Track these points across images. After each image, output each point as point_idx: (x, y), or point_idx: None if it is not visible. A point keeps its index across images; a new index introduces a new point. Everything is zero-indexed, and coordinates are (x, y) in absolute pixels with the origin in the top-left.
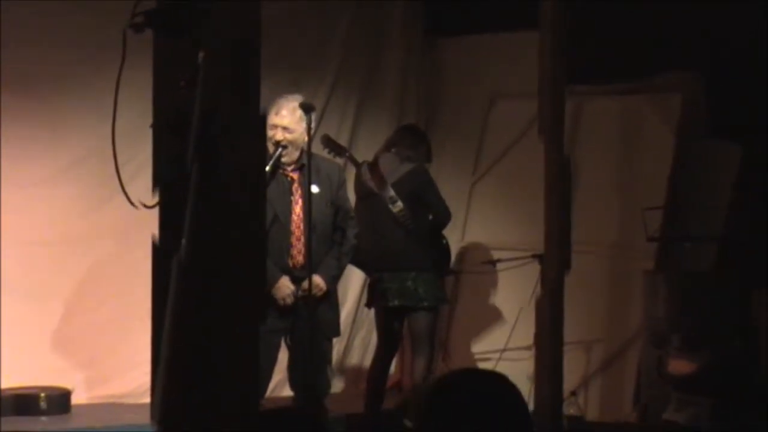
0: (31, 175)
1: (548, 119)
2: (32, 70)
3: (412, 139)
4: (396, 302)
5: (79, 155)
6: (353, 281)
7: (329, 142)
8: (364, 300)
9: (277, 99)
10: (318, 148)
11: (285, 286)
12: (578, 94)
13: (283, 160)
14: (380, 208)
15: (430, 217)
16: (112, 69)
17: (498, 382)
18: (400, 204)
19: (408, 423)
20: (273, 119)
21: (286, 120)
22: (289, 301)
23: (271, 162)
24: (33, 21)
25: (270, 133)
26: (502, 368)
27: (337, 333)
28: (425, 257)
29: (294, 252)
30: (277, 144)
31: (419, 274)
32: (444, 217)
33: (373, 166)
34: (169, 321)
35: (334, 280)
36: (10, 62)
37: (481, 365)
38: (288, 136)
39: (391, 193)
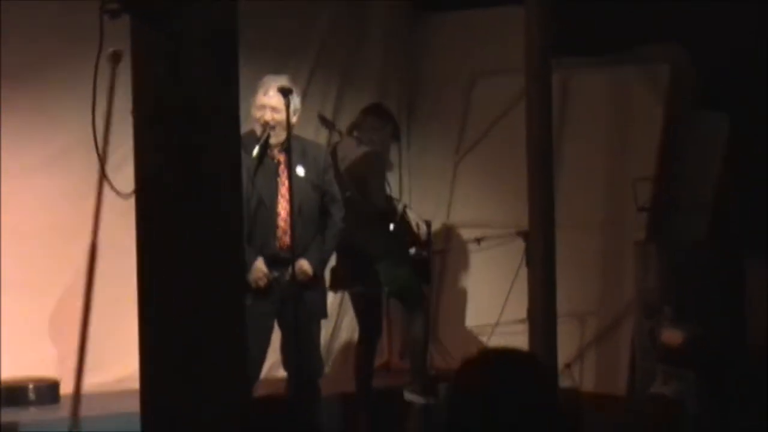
0: (19, 165)
1: (533, 93)
2: (18, 60)
3: (374, 121)
4: (360, 288)
5: (67, 144)
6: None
7: (324, 121)
8: None
9: (263, 79)
10: (302, 131)
11: (258, 269)
12: (565, 67)
13: (271, 141)
14: None
15: (400, 204)
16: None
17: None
18: (349, 191)
19: (408, 395)
20: (261, 99)
21: (274, 100)
22: (262, 283)
23: (259, 144)
24: (18, 10)
25: (258, 114)
26: (496, 343)
27: (324, 315)
28: (384, 241)
29: (280, 233)
30: (266, 125)
31: (381, 259)
32: (378, 204)
33: (333, 152)
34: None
35: (321, 263)
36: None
37: (473, 342)
38: (276, 116)
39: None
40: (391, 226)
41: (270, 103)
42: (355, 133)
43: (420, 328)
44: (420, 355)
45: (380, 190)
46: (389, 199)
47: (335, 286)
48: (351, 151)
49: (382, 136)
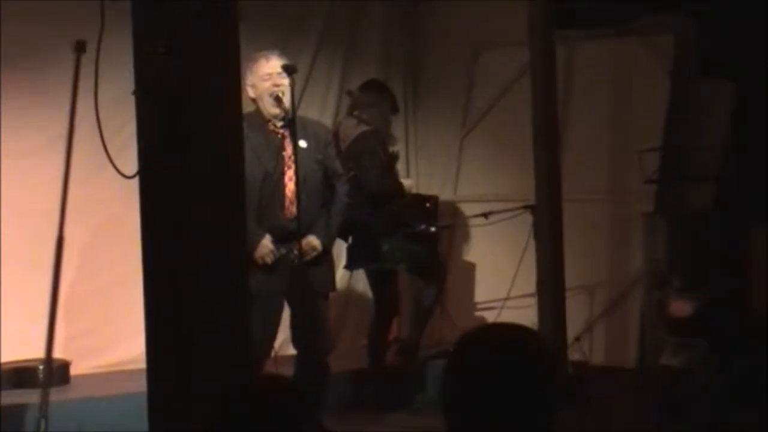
0: (24, 146)
1: (537, 66)
2: (19, 41)
3: (370, 98)
4: (374, 266)
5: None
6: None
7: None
8: None
9: (256, 54)
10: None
11: (264, 246)
12: (568, 39)
13: (276, 111)
14: None
15: (405, 180)
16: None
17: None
18: (352, 170)
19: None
20: (264, 68)
21: (278, 68)
22: (269, 260)
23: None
24: None
25: (265, 84)
26: (506, 317)
27: (332, 288)
28: (387, 220)
29: (287, 203)
30: (278, 99)
31: (392, 236)
32: (370, 187)
33: (335, 132)
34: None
35: (329, 239)
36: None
37: (484, 316)
38: (285, 81)
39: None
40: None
41: (276, 69)
42: (355, 113)
43: (431, 299)
44: (422, 325)
45: (374, 167)
46: (394, 175)
47: (351, 265)
48: (351, 130)
49: (381, 111)
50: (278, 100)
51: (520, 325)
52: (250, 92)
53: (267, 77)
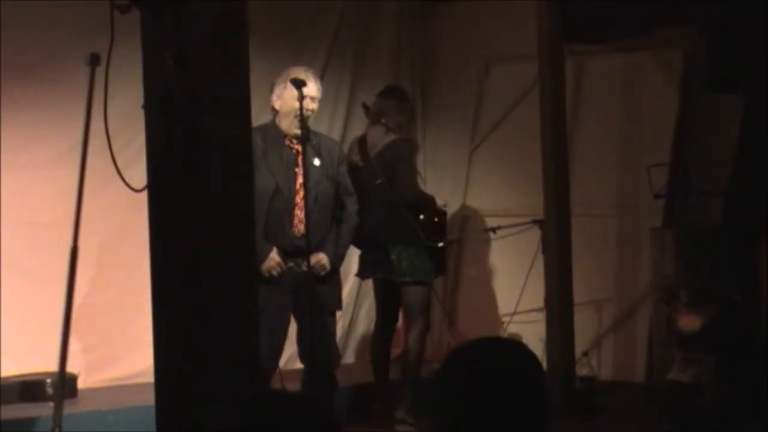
0: (33, 158)
1: (547, 80)
2: (32, 53)
3: (398, 105)
4: (381, 275)
5: (81, 137)
6: (356, 252)
7: (368, 110)
8: None
9: (291, 70)
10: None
11: (271, 259)
12: (578, 54)
13: (297, 132)
14: (363, 182)
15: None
16: (115, 51)
17: (512, 349)
18: (379, 178)
19: (399, 415)
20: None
21: (314, 90)
22: (276, 273)
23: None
24: (31, 3)
25: (296, 105)
26: (514, 332)
27: (338, 307)
28: (409, 231)
29: (296, 221)
30: (304, 122)
31: (404, 248)
32: (405, 194)
33: (362, 140)
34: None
35: (338, 258)
36: (10, 46)
37: (491, 330)
38: (315, 107)
39: (374, 167)
40: (421, 216)
41: (310, 93)
42: (382, 120)
43: (417, 337)
44: (411, 367)
45: (410, 178)
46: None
47: (362, 273)
48: (380, 138)
49: (409, 119)
50: (304, 123)
51: (510, 339)
52: (276, 104)
53: (299, 99)
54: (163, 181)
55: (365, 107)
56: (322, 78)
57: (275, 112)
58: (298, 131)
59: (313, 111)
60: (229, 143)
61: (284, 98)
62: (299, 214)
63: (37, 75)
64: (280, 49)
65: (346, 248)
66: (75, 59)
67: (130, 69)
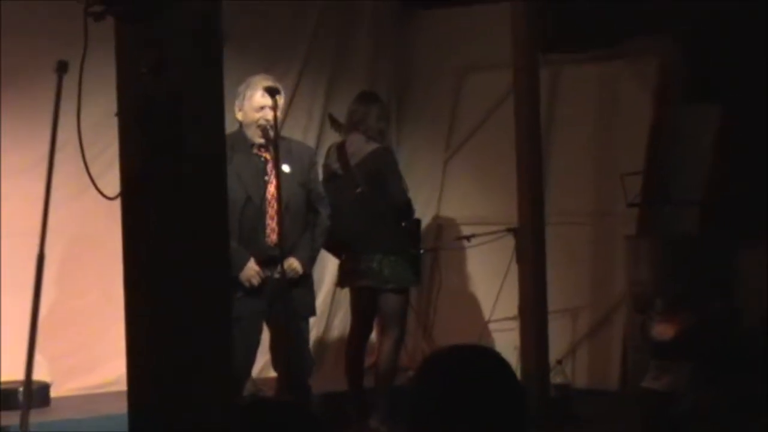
0: (6, 166)
1: (522, 89)
2: (3, 60)
3: (379, 112)
4: (362, 283)
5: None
6: (331, 261)
7: (334, 122)
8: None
9: (252, 79)
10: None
11: (250, 268)
12: (554, 62)
13: (261, 141)
14: (344, 190)
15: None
16: (87, 58)
17: (486, 356)
18: (361, 186)
19: (373, 424)
20: (259, 101)
21: (280, 100)
22: (255, 282)
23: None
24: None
25: (256, 115)
26: (488, 340)
27: (312, 313)
28: (390, 239)
29: (269, 231)
30: (266, 123)
31: (385, 255)
32: (398, 200)
33: (340, 147)
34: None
35: (310, 261)
36: None
37: (466, 339)
38: (273, 115)
39: (355, 175)
40: (403, 224)
41: (269, 102)
42: (361, 128)
43: (392, 345)
44: (384, 376)
45: (400, 186)
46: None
47: (343, 282)
48: (360, 146)
49: (388, 125)
50: (265, 132)
51: (483, 346)
52: (239, 115)
53: (260, 109)
54: (136, 190)
55: (331, 119)
56: (297, 85)
57: (240, 124)
58: (261, 140)
59: (268, 122)
60: (204, 152)
61: (245, 110)
62: (271, 223)
63: (8, 83)
64: (254, 57)
65: (317, 252)
66: (47, 67)
67: (102, 77)
